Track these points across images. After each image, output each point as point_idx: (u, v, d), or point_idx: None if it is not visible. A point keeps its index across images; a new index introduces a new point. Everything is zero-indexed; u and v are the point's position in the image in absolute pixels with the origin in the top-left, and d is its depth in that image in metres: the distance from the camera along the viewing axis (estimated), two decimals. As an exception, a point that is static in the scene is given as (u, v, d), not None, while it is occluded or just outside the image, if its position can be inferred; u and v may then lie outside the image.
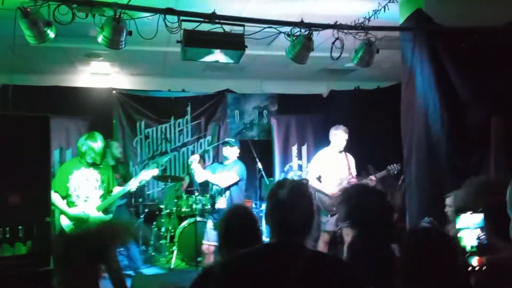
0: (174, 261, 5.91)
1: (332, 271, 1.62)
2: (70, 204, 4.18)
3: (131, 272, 5.51)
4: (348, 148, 6.63)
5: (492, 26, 3.91)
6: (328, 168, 5.16)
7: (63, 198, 4.17)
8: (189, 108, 7.59)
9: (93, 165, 4.25)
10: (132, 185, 4.46)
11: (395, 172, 5.19)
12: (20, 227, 3.22)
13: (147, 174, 4.71)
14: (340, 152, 5.24)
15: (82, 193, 4.21)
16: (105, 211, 4.31)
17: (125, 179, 5.12)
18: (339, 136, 5.18)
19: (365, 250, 2.35)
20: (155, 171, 4.81)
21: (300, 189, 1.70)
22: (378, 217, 2.40)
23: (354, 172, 5.25)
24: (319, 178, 5.21)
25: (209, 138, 7.72)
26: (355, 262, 2.34)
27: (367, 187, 2.82)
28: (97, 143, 4.22)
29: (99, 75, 7.21)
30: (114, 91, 7.24)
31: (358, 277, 1.66)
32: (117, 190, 4.43)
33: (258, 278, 1.56)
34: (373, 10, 3.73)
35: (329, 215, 5.03)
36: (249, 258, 1.64)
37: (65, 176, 4.17)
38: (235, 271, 1.61)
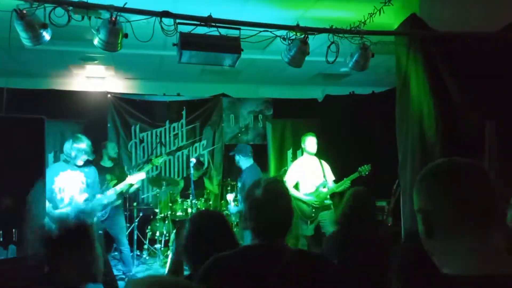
0: (168, 265, 5.88)
1: (314, 268, 1.62)
2: (54, 206, 4.20)
3: (123, 276, 5.48)
4: (342, 152, 6.69)
5: (487, 31, 3.95)
6: (305, 174, 5.31)
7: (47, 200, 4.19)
8: (184, 112, 7.58)
9: (81, 167, 4.28)
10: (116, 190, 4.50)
11: (367, 173, 5.26)
12: (14, 229, 3.21)
13: (134, 178, 4.74)
14: (313, 157, 5.39)
15: (66, 195, 4.24)
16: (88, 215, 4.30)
17: (120, 180, 5.11)
18: (308, 142, 5.35)
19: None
20: (142, 175, 4.84)
21: (274, 186, 1.69)
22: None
23: (331, 177, 5.37)
24: (297, 186, 5.33)
25: (204, 142, 7.71)
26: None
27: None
28: (83, 144, 4.26)
29: (94, 79, 7.19)
30: (109, 95, 7.23)
31: (340, 273, 1.66)
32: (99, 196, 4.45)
33: (242, 280, 1.55)
34: (369, 14, 3.75)
35: (308, 222, 5.13)
36: (232, 261, 1.62)
37: (51, 178, 4.18)
38: (218, 274, 1.59)
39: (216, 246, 1.83)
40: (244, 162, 5.18)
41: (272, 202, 1.63)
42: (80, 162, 4.29)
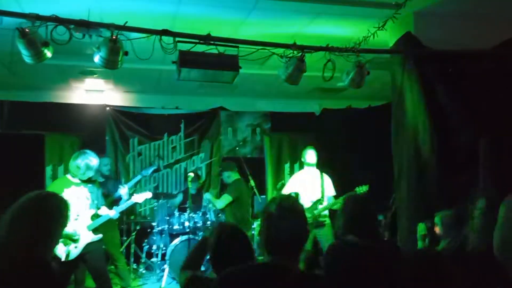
0: (165, 279, 5.87)
1: None
2: None
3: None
4: (339, 166, 6.72)
5: (480, 49, 4.04)
6: (302, 188, 5.33)
7: None
8: (182, 125, 7.62)
9: (84, 182, 4.28)
10: (111, 214, 4.50)
11: (363, 192, 5.22)
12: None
13: (140, 197, 4.76)
14: (314, 171, 5.40)
15: (73, 211, 4.20)
16: (95, 230, 4.31)
17: (112, 195, 5.12)
18: (308, 155, 5.40)
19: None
20: (149, 195, 4.87)
21: (288, 202, 1.74)
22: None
23: (332, 192, 5.37)
24: None
25: (202, 155, 7.74)
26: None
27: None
28: (95, 160, 4.27)
29: (93, 92, 7.24)
30: (107, 108, 7.27)
31: None
32: (105, 211, 4.44)
33: None
34: (363, 36, 3.83)
35: None
36: (238, 278, 1.67)
37: None
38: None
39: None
40: (232, 176, 5.73)
41: (284, 218, 1.67)
42: (85, 177, 4.25)
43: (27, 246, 1.68)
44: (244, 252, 2.16)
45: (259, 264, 1.79)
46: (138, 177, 6.08)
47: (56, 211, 1.84)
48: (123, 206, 4.74)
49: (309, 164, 5.38)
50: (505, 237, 1.11)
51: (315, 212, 5.19)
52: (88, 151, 4.33)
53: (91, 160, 4.24)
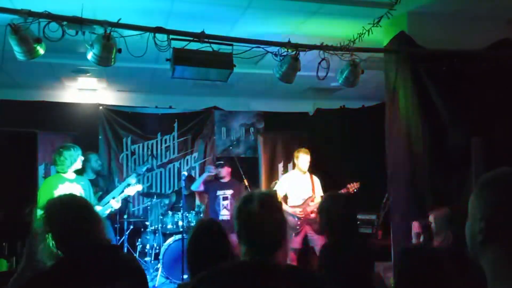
0: (158, 279, 5.85)
1: (307, 286, 1.63)
2: None
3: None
4: (332, 165, 6.74)
5: (472, 50, 4.06)
6: (293, 188, 5.37)
7: None
8: (176, 125, 7.59)
9: (78, 177, 4.28)
10: (114, 204, 4.49)
11: (355, 190, 5.27)
12: (4, 243, 3.18)
13: (131, 190, 4.75)
14: (305, 173, 5.44)
15: None
16: None
17: (106, 192, 5.10)
18: (301, 158, 5.40)
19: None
20: (139, 187, 4.85)
21: (269, 199, 1.65)
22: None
23: (320, 193, 5.39)
24: (285, 199, 5.42)
25: (195, 154, 7.71)
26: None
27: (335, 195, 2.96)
28: (77, 149, 4.34)
29: (86, 91, 7.20)
30: (100, 107, 7.22)
31: None
32: (97, 208, 4.42)
33: None
34: (358, 34, 3.83)
35: (293, 234, 5.15)
36: (223, 276, 1.59)
37: (51, 192, 4.14)
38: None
39: (212, 256, 1.88)
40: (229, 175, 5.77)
41: (268, 216, 1.59)
42: (76, 166, 4.29)
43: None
44: (219, 250, 2.09)
45: (239, 263, 1.66)
46: (133, 175, 6.03)
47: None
48: (122, 195, 4.75)
49: (301, 170, 5.40)
50: (466, 233, 1.12)
51: (308, 209, 5.22)
52: (68, 144, 4.40)
53: (75, 149, 4.29)
